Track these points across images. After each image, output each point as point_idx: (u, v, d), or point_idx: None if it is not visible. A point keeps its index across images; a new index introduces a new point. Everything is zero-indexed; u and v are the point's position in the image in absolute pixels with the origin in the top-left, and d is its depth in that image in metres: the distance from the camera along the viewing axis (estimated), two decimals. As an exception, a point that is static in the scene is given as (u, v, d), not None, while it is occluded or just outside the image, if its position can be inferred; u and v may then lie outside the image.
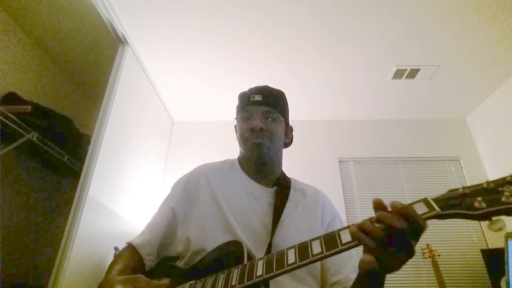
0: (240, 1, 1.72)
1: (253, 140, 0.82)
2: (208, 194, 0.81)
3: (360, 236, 0.46)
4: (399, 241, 0.45)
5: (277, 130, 0.86)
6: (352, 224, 0.49)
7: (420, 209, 0.47)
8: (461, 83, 2.37)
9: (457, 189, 0.48)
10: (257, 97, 0.86)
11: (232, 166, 0.91)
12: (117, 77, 1.81)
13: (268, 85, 0.92)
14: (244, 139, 0.85)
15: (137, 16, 1.81)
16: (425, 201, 0.48)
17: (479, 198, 0.45)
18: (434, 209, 0.46)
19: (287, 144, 0.93)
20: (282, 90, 0.93)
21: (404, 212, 0.45)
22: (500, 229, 0.43)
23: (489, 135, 2.53)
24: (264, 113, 0.85)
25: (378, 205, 0.48)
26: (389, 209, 0.48)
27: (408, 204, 0.48)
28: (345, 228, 0.51)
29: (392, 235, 0.45)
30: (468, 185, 0.48)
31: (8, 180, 1.80)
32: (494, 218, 0.44)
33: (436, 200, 0.48)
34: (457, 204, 0.46)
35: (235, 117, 0.92)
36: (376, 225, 0.46)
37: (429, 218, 0.46)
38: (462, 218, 0.46)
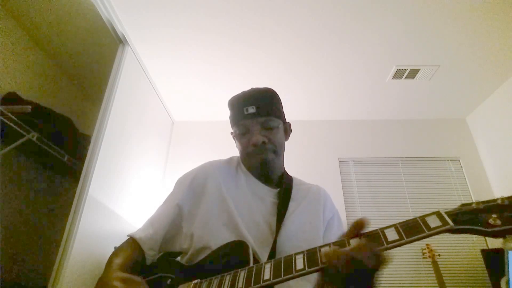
0: (240, 1, 1.72)
1: (257, 155, 0.81)
2: (214, 191, 0.81)
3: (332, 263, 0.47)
4: (364, 275, 0.46)
5: (278, 139, 0.84)
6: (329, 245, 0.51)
7: (433, 223, 0.47)
8: (461, 83, 2.37)
9: (470, 204, 0.48)
10: (251, 109, 0.81)
11: (238, 165, 0.91)
12: (117, 77, 1.81)
13: (265, 85, 0.89)
14: (247, 155, 0.84)
15: (137, 16, 1.81)
16: (438, 214, 0.47)
17: (494, 215, 0.44)
18: (448, 224, 0.45)
19: (286, 140, 0.93)
20: (271, 88, 0.88)
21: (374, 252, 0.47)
22: None
23: (489, 135, 2.53)
24: (262, 124, 0.82)
25: (360, 225, 0.50)
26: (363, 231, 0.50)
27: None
28: (354, 237, 0.51)
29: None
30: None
31: (8, 180, 1.80)
32: (508, 236, 0.43)
33: (449, 214, 0.47)
34: (471, 219, 0.46)
35: (232, 128, 0.90)
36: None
37: (442, 232, 0.46)
38: (475, 234, 0.45)
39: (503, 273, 1.64)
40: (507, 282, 1.59)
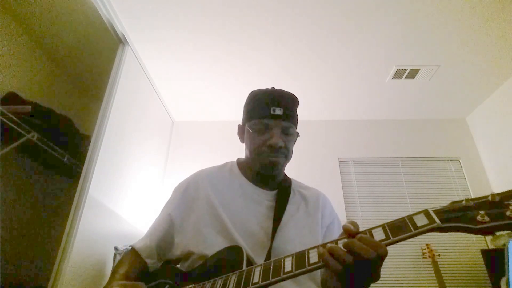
0: (240, 2, 1.72)
1: (270, 158, 0.79)
2: (205, 199, 0.80)
3: (327, 259, 0.47)
4: (364, 267, 0.46)
5: (292, 146, 0.84)
6: (321, 245, 0.51)
7: (420, 221, 0.46)
8: (461, 83, 2.37)
9: (460, 201, 0.47)
10: (278, 111, 0.80)
11: (231, 170, 0.89)
12: (117, 77, 1.81)
13: (265, 86, 0.88)
14: (258, 154, 0.81)
15: (137, 17, 1.81)
16: (426, 212, 0.47)
17: (482, 212, 0.43)
18: (434, 222, 0.45)
19: None
20: (294, 95, 0.88)
21: (372, 244, 0.47)
22: (504, 245, 0.41)
23: (489, 135, 2.53)
24: (283, 129, 0.80)
25: (348, 231, 0.50)
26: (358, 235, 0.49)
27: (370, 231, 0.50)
28: (343, 238, 0.51)
29: (358, 262, 0.46)
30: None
31: (8, 180, 1.80)
32: (497, 233, 0.42)
33: (437, 212, 0.46)
34: (459, 217, 0.45)
35: (245, 121, 0.86)
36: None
37: (429, 231, 0.45)
38: (463, 231, 0.44)
39: (503, 273, 1.64)
40: (507, 282, 1.59)
